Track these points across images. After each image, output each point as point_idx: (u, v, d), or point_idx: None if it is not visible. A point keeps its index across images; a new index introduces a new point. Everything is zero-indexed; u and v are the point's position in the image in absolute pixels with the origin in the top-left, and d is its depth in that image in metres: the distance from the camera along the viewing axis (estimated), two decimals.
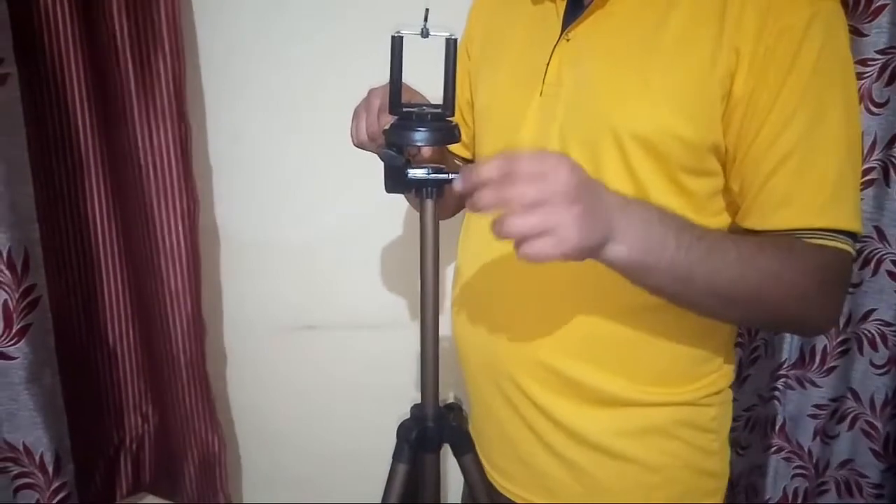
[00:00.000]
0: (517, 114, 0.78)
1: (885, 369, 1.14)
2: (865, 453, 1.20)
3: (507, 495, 0.86)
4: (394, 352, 1.36)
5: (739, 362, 1.22)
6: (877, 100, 1.04)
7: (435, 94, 0.70)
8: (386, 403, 1.14)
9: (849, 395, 1.19)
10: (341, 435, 1.42)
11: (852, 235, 0.67)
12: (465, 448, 0.78)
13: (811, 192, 0.65)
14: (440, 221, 0.69)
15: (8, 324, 1.02)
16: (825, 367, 1.18)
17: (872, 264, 1.11)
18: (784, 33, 0.63)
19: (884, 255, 1.10)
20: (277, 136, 1.26)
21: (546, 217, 0.54)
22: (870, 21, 1.01)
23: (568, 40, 0.74)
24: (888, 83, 1.03)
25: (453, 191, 0.59)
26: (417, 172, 0.65)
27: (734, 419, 0.86)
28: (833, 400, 1.20)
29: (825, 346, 1.17)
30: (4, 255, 1.00)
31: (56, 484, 1.11)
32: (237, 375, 1.39)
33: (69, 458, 1.13)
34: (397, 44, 0.64)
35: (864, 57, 1.02)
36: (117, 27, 1.07)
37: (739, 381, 1.22)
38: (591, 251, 0.57)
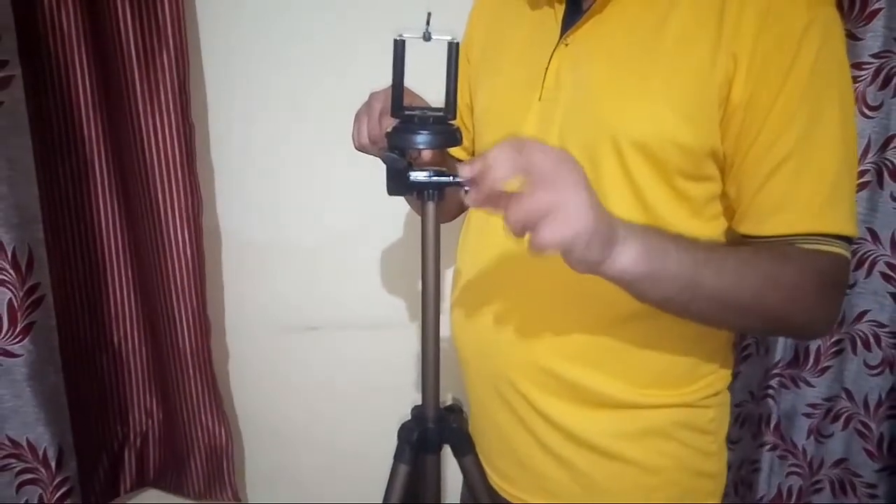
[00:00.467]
0: (516, 118, 0.78)
1: (878, 370, 1.16)
2: (859, 453, 1.21)
3: (506, 497, 0.86)
4: (395, 353, 1.36)
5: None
6: (871, 103, 1.06)
7: (435, 98, 0.70)
8: (387, 405, 1.15)
9: (843, 395, 1.20)
10: (342, 436, 1.42)
11: (848, 240, 0.67)
12: (465, 449, 0.78)
13: (808, 195, 0.65)
14: (441, 224, 0.69)
15: (12, 321, 1.03)
16: (819, 367, 1.19)
17: (866, 266, 1.12)
18: (782, 38, 0.63)
19: (877, 256, 1.11)
20: (279, 137, 1.26)
21: (557, 194, 0.53)
22: (864, 25, 1.02)
23: (566, 45, 0.74)
24: (882, 87, 1.05)
25: (454, 194, 0.59)
26: (419, 175, 0.64)
27: None
28: (827, 399, 1.20)
29: (819, 347, 1.18)
30: (9, 254, 1.01)
31: (59, 479, 1.12)
32: (239, 376, 1.39)
33: (72, 454, 1.14)
34: (399, 47, 0.63)
35: (858, 60, 1.03)
36: (122, 28, 1.07)
37: None
38: (599, 251, 0.56)
